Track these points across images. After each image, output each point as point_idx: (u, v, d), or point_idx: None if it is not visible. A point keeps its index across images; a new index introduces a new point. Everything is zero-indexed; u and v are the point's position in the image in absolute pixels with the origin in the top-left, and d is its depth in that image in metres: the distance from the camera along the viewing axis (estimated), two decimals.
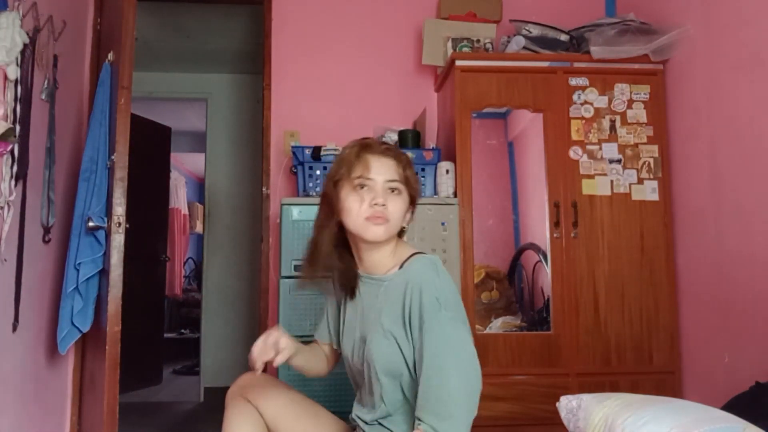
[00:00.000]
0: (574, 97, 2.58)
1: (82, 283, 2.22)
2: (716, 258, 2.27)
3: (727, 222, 2.22)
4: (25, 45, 1.97)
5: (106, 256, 2.15)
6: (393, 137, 2.69)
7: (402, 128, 2.75)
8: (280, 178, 2.94)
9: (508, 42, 2.67)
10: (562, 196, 2.52)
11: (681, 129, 2.52)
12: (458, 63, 2.58)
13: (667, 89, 2.61)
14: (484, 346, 2.36)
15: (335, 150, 2.48)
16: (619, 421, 1.13)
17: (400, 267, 1.37)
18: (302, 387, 1.70)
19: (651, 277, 2.49)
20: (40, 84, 2.21)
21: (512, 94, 2.57)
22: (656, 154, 2.56)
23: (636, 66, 2.59)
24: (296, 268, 2.33)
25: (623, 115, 2.58)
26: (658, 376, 2.45)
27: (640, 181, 2.54)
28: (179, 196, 7.03)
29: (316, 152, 2.51)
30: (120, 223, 2.07)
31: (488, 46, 2.69)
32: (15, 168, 1.96)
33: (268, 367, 1.42)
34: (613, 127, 2.57)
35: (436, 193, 2.53)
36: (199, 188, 7.42)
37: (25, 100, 2.02)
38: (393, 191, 1.37)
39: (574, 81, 2.58)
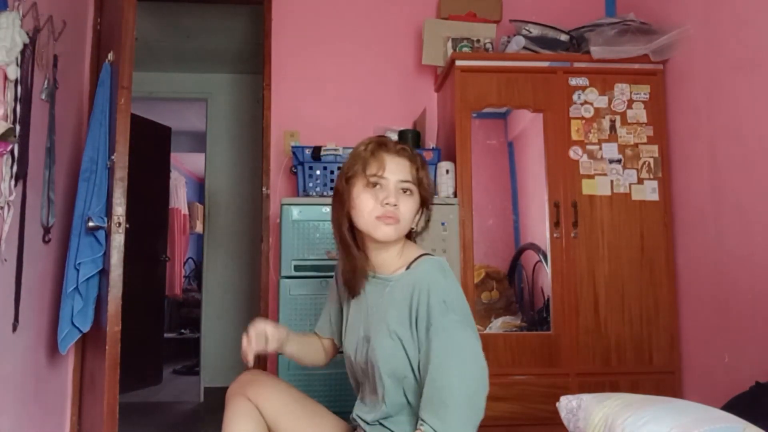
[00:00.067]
0: (574, 97, 2.58)
1: (82, 283, 2.22)
2: (716, 258, 2.27)
3: (727, 222, 2.22)
4: (25, 45, 1.97)
5: (106, 256, 2.15)
6: (393, 137, 2.67)
7: (402, 128, 2.75)
8: (280, 178, 2.94)
9: (508, 42, 2.67)
10: (562, 196, 2.52)
11: (681, 129, 2.52)
12: (458, 63, 2.58)
13: (667, 89, 2.61)
14: (484, 346, 2.29)
15: (335, 150, 2.49)
16: (619, 421, 1.13)
17: (407, 268, 1.37)
18: (303, 386, 1.70)
19: (651, 277, 2.49)
20: (40, 84, 2.21)
21: (512, 94, 2.58)
22: (656, 154, 2.56)
23: (636, 66, 2.59)
24: (296, 268, 2.34)
25: (623, 115, 2.58)
26: (658, 376, 2.45)
27: (640, 181, 2.54)
28: (179, 196, 7.03)
29: (316, 152, 2.51)
30: (120, 223, 2.07)
31: (488, 46, 2.69)
32: (15, 168, 1.96)
33: (268, 367, 1.43)
34: (613, 127, 2.57)
35: (436, 193, 2.53)
36: (199, 188, 7.42)
37: (25, 100, 2.01)
38: (405, 192, 1.37)
39: (574, 81, 2.59)
